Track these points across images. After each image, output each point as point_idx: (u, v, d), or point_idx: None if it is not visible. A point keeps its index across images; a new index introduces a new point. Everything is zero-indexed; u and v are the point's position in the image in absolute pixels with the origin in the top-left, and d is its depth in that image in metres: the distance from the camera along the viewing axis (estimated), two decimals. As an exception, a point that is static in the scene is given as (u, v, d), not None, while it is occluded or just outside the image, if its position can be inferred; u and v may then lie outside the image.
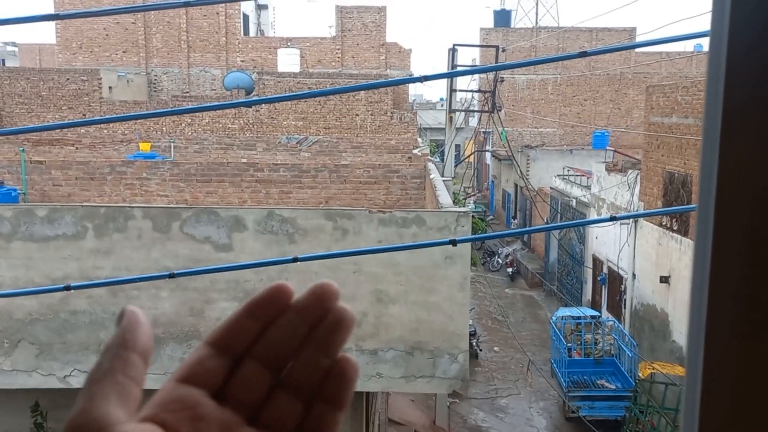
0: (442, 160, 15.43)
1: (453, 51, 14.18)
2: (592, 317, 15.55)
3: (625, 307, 16.75)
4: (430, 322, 5.77)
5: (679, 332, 13.79)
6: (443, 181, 9.07)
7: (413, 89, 40.95)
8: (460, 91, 15.92)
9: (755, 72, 0.39)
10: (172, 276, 3.76)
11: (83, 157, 12.10)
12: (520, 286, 24.23)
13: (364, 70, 24.64)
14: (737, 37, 0.39)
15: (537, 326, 19.74)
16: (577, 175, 23.38)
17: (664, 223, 14.66)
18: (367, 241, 5.63)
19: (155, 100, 22.85)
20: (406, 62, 25.63)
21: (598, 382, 14.01)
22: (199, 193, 10.73)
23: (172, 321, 5.69)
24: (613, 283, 17.75)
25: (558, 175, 24.61)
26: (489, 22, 39.65)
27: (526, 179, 22.30)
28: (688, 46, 36.08)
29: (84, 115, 19.04)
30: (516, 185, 31.01)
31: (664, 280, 14.29)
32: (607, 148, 25.24)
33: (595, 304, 18.78)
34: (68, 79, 19.75)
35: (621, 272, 16.95)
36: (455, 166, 17.47)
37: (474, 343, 16.30)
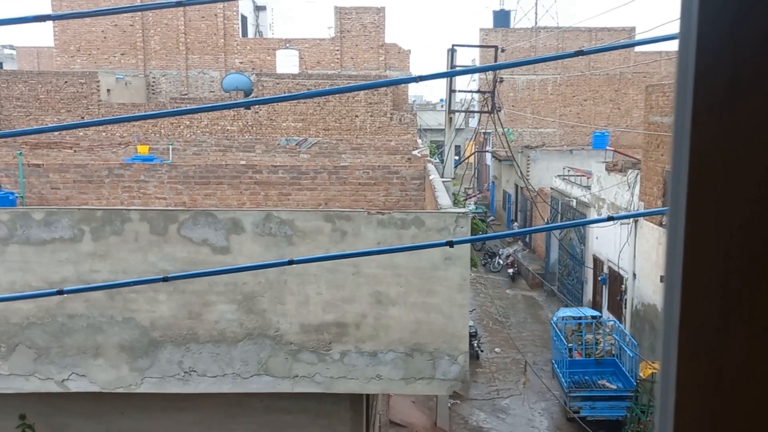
0: (442, 161, 15.40)
1: (452, 51, 14.16)
2: (593, 317, 15.52)
3: (625, 307, 16.71)
4: (430, 324, 5.74)
5: (681, 332, 13.74)
6: (443, 182, 9.04)
7: (413, 90, 40.96)
8: (460, 91, 15.90)
9: (724, 72, 0.39)
10: (165, 279, 3.72)
11: (81, 160, 12.07)
12: (520, 286, 24.19)
13: (364, 71, 24.62)
14: (706, 38, 0.39)
15: (538, 327, 19.70)
16: (577, 176, 23.35)
17: (664, 223, 14.61)
18: (366, 242, 5.59)
19: (154, 102, 22.83)
20: (405, 63, 25.62)
21: (599, 382, 13.98)
22: (198, 196, 10.70)
23: (170, 324, 5.65)
24: (613, 283, 17.71)
25: (558, 176, 24.58)
26: (488, 23, 39.65)
27: (527, 180, 22.27)
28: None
29: (82, 117, 19.02)
30: (516, 186, 30.98)
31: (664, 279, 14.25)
32: (607, 148, 25.23)
33: (595, 304, 18.75)
34: (66, 81, 19.73)
35: (621, 272, 16.92)
36: (455, 166, 17.45)
37: (475, 344, 16.27)
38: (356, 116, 19.28)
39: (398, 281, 5.67)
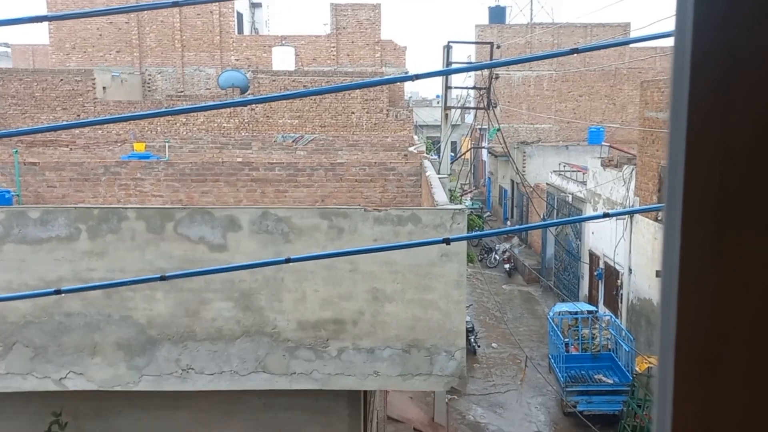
0: (439, 157, 15.41)
1: (448, 48, 14.16)
2: (589, 312, 15.58)
3: (621, 302, 16.77)
4: (427, 320, 5.76)
5: (676, 327, 13.81)
6: (439, 178, 9.05)
7: (409, 86, 40.92)
8: (456, 88, 15.90)
9: (719, 64, 0.39)
10: (163, 279, 3.74)
11: (77, 158, 12.05)
12: (517, 282, 24.25)
13: (360, 67, 24.59)
14: (701, 32, 0.39)
15: (534, 322, 19.76)
16: (573, 171, 23.39)
17: (659, 218, 14.67)
18: (362, 239, 5.61)
19: (150, 99, 22.78)
20: (401, 59, 25.59)
21: (595, 376, 14.04)
22: (194, 193, 10.69)
23: (167, 322, 5.66)
24: (609, 278, 17.77)
25: (554, 171, 24.62)
26: (484, 19, 39.60)
27: (523, 175, 22.30)
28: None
29: (78, 115, 18.98)
30: (512, 181, 31.01)
31: (660, 274, 14.30)
32: (603, 143, 25.26)
33: (591, 299, 18.81)
34: (62, 79, 19.67)
35: (617, 267, 16.97)
36: (451, 163, 17.45)
37: (472, 340, 16.32)
38: (352, 113, 19.27)
39: (395, 278, 5.69)
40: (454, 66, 14.15)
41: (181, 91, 23.75)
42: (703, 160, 0.41)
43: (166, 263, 5.51)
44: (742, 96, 0.40)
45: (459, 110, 28.57)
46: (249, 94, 19.96)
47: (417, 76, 2.75)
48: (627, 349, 14.06)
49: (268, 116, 19.10)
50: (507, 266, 25.14)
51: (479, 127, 25.41)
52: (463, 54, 43.47)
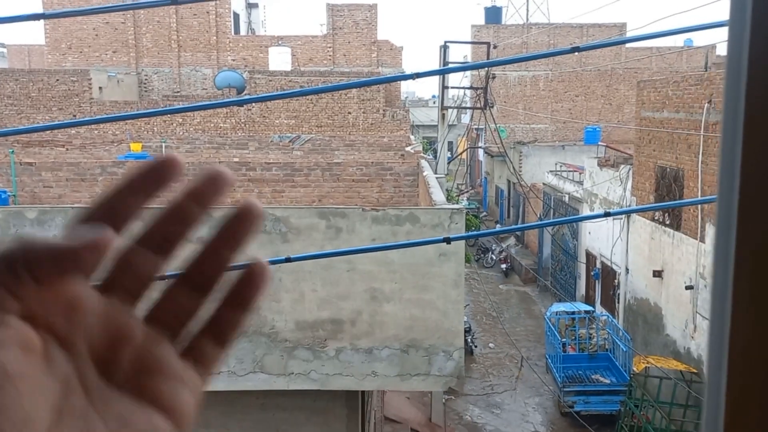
0: (435, 157, 15.42)
1: (444, 48, 14.16)
2: (586, 312, 15.59)
3: (618, 302, 16.80)
4: (425, 320, 5.76)
5: (673, 326, 13.84)
6: (436, 178, 9.06)
7: (405, 87, 40.96)
8: (452, 88, 15.91)
9: None
10: (161, 278, 3.72)
11: (74, 158, 12.01)
12: (514, 282, 24.27)
13: (356, 67, 24.59)
14: (759, 26, 0.36)
15: (531, 322, 19.77)
16: (570, 171, 23.42)
17: (656, 218, 14.70)
18: (360, 239, 5.61)
19: (146, 99, 22.73)
20: (397, 60, 25.60)
21: (592, 376, 14.06)
22: (191, 193, 10.66)
23: (165, 322, 5.65)
24: (606, 277, 17.80)
25: (550, 171, 24.65)
26: (480, 19, 39.66)
27: (519, 175, 22.32)
28: (678, 41, 36.22)
29: (74, 116, 18.92)
30: (509, 181, 31.04)
31: (657, 274, 14.33)
32: (599, 143, 25.31)
33: (588, 299, 18.83)
34: (58, 79, 19.62)
35: (614, 267, 17.00)
36: (448, 163, 17.47)
37: (469, 340, 16.32)
38: (349, 113, 19.27)
39: (393, 278, 5.69)
40: (450, 66, 14.16)
41: (178, 92, 23.71)
42: (761, 161, 0.39)
43: (163, 263, 5.50)
44: None
45: (456, 110, 28.59)
46: (245, 95, 19.95)
47: (417, 75, 2.75)
48: (624, 349, 14.09)
49: (264, 116, 19.08)
50: (503, 266, 25.16)
51: (476, 127, 25.44)
52: (459, 54, 43.52)
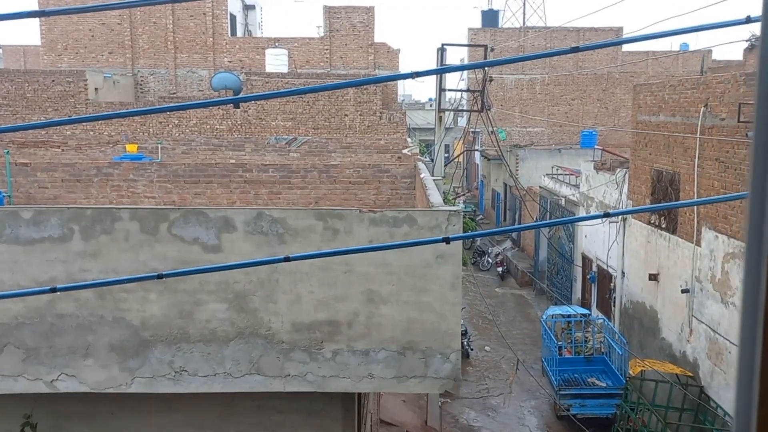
0: (432, 159, 15.41)
1: (442, 50, 14.17)
2: (582, 315, 15.60)
3: (614, 305, 16.81)
4: (422, 322, 5.74)
5: (668, 329, 13.85)
6: (433, 180, 9.04)
7: (402, 89, 40.97)
8: (450, 90, 15.91)
9: None
10: (160, 277, 3.70)
11: (69, 159, 11.96)
12: (510, 285, 24.27)
13: (353, 70, 24.60)
14: None
15: (528, 325, 19.77)
16: (566, 174, 23.46)
17: (652, 221, 14.72)
18: (358, 241, 5.58)
19: (142, 101, 22.68)
20: (394, 62, 25.62)
21: (588, 380, 14.06)
22: (187, 195, 10.64)
23: (161, 323, 5.61)
24: (602, 281, 17.81)
25: (547, 174, 24.69)
26: (477, 23, 39.72)
27: (516, 178, 22.33)
28: (674, 44, 36.33)
29: (70, 116, 18.86)
30: (505, 185, 31.07)
31: (653, 277, 14.35)
32: (595, 147, 25.33)
33: (584, 303, 18.84)
34: (53, 80, 19.56)
35: (610, 270, 17.01)
36: (445, 165, 17.47)
37: (465, 343, 16.30)
38: (345, 115, 19.26)
39: (390, 279, 5.67)
40: (450, 66, 14.14)
41: (174, 93, 23.67)
42: None
43: (160, 264, 5.46)
44: None
45: (452, 113, 28.62)
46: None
47: (417, 74, 2.74)
48: (620, 353, 14.09)
49: (261, 118, 19.05)
50: (500, 269, 25.16)
51: (472, 130, 25.46)
52: (456, 58, 43.51)
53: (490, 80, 16.47)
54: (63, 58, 24.24)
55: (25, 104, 19.38)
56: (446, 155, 24.38)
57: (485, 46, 16.43)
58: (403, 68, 28.84)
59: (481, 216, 34.32)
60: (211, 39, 24.53)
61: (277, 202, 10.74)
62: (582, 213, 18.93)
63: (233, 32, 27.19)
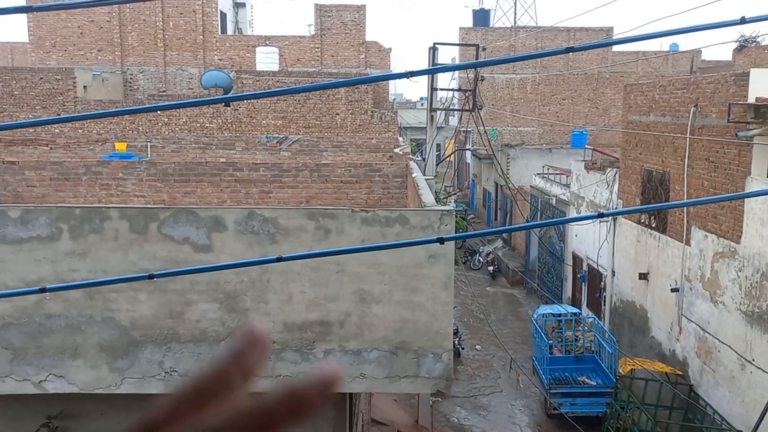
0: (423, 159, 15.39)
1: (433, 49, 14.15)
2: (573, 314, 15.65)
3: (604, 304, 16.87)
4: (414, 322, 5.72)
5: (658, 328, 13.91)
6: (425, 179, 9.02)
7: (393, 88, 40.96)
8: (441, 89, 15.90)
9: None
10: (151, 277, 3.66)
11: (57, 158, 11.85)
12: (501, 284, 24.31)
13: (344, 68, 24.53)
14: None
15: (518, 324, 19.81)
16: (557, 174, 23.52)
17: (642, 221, 14.78)
18: (350, 240, 5.56)
19: (131, 99, 22.52)
20: (386, 61, 25.58)
21: (579, 378, 14.10)
22: (177, 193, 10.56)
23: (151, 324, 5.56)
24: (592, 280, 17.87)
25: (538, 174, 24.75)
26: (468, 22, 39.76)
27: (507, 178, 22.37)
28: (663, 45, 36.51)
29: (58, 114, 18.69)
30: (496, 184, 31.13)
31: (643, 276, 14.41)
32: (586, 146, 25.43)
33: (575, 301, 18.90)
34: (42, 78, 19.38)
35: (600, 269, 17.07)
36: (436, 165, 17.46)
37: (456, 342, 16.31)
38: (337, 114, 19.20)
39: (382, 279, 5.64)
40: (443, 65, 14.13)
41: (164, 91, 23.51)
42: None
43: (150, 264, 5.41)
44: None
45: (444, 113, 28.63)
46: (232, 94, 19.80)
47: (412, 74, 2.72)
48: (610, 351, 14.14)
49: (251, 117, 18.97)
50: (491, 268, 25.21)
51: (463, 129, 25.48)
52: (447, 57, 43.57)
53: (482, 79, 16.48)
54: (51, 55, 24.02)
55: (12, 102, 19.19)
56: (437, 154, 24.39)
57: (477, 46, 16.43)
58: (395, 67, 28.81)
59: (472, 215, 34.38)
60: (201, 37, 24.39)
61: (267, 201, 10.69)
62: (573, 212, 18.98)
63: (223, 30, 27.04)
